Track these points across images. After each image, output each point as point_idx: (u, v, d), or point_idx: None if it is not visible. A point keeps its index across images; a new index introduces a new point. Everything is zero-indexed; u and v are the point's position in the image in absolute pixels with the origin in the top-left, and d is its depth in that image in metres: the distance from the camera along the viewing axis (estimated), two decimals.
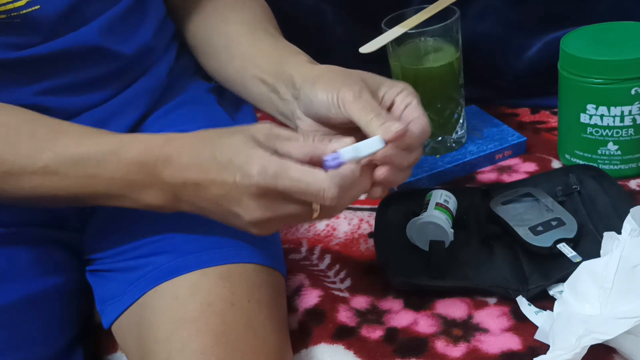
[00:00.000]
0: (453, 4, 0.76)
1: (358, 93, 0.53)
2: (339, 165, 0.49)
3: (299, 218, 0.51)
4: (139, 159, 0.53)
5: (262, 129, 0.51)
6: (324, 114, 0.55)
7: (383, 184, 0.52)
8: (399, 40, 0.77)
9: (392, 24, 0.76)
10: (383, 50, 0.76)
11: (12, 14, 0.57)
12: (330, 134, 0.56)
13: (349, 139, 0.50)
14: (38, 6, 0.58)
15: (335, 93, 0.54)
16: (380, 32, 0.75)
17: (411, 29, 0.75)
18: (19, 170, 0.54)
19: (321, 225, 0.77)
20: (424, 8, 0.75)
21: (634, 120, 0.73)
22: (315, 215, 0.51)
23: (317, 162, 0.50)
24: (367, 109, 0.52)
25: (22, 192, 0.55)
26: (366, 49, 0.71)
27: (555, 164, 0.82)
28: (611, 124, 0.73)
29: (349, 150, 0.50)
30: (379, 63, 0.83)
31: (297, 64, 0.61)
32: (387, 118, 0.51)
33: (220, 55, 0.70)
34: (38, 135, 0.55)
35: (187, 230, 0.61)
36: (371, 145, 0.50)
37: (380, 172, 0.51)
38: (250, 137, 0.50)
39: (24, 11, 0.58)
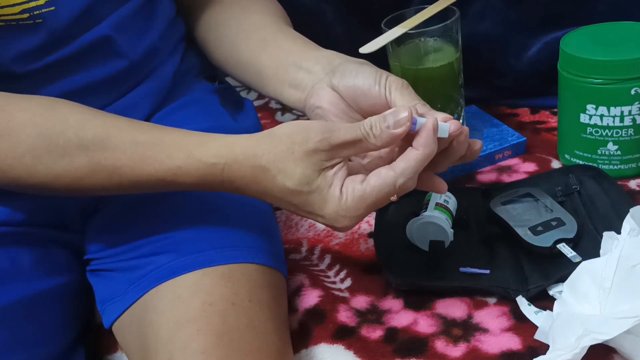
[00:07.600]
0: (453, 4, 0.76)
1: (406, 85, 0.58)
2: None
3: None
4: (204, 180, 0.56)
5: (319, 147, 0.52)
6: (360, 86, 0.59)
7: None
8: (399, 41, 0.77)
9: (392, 24, 0.76)
10: (383, 50, 0.76)
11: (35, 13, 0.57)
12: (343, 115, 0.61)
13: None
14: (53, 7, 0.58)
15: (385, 76, 0.59)
16: (380, 32, 0.75)
17: (411, 29, 0.75)
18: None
19: (321, 225, 0.77)
20: (424, 8, 0.75)
21: (633, 120, 0.73)
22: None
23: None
24: (413, 97, 0.58)
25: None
26: (366, 49, 0.71)
27: (555, 164, 0.82)
28: (611, 124, 0.73)
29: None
30: (379, 63, 0.84)
31: (330, 52, 0.65)
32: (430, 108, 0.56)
33: (236, 39, 0.71)
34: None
35: (188, 230, 0.61)
36: (443, 131, 0.54)
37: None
38: (314, 171, 0.52)
39: (38, 12, 0.58)
